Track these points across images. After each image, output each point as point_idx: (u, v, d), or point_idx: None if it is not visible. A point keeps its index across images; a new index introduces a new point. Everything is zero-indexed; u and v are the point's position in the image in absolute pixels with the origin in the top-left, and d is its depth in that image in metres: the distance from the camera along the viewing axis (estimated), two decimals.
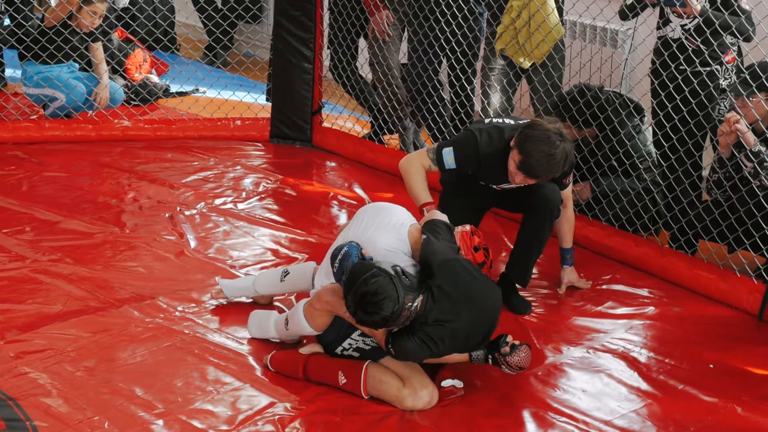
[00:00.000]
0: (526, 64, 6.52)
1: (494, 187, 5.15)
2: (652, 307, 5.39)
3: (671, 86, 5.71)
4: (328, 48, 7.71)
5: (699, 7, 5.62)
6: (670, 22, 5.80)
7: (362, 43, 7.54)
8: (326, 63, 7.72)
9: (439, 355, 4.30)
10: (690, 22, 5.68)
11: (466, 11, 6.61)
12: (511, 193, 5.19)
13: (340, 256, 4.32)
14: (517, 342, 4.42)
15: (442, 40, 6.76)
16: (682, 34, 5.70)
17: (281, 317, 4.74)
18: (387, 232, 4.49)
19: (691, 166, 5.74)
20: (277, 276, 4.98)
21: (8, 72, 8.52)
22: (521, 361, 4.39)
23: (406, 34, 7.17)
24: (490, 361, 4.42)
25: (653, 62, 5.97)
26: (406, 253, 4.45)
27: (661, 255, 5.76)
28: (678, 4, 5.64)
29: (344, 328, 4.48)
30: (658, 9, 5.94)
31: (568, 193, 5.28)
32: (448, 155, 5.01)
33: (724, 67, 5.73)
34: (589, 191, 6.16)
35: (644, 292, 5.56)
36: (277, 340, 4.77)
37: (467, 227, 4.70)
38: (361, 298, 4.06)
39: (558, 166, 4.78)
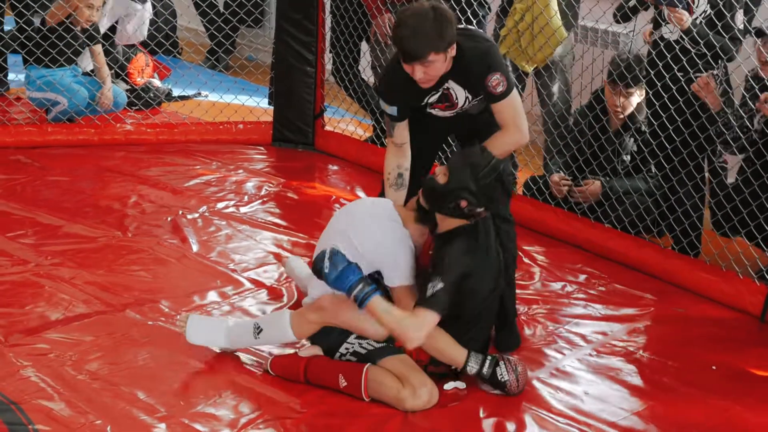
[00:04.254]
0: (529, 69, 6.52)
1: (434, 112, 4.87)
2: (654, 309, 5.39)
3: (675, 88, 5.70)
4: (330, 51, 7.71)
5: (688, 24, 5.61)
6: (667, 23, 5.79)
7: (364, 46, 7.54)
8: (328, 66, 7.73)
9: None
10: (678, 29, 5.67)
11: (469, 14, 6.60)
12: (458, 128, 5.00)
13: (327, 258, 4.30)
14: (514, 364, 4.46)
15: None
16: (680, 36, 5.69)
17: (245, 325, 4.66)
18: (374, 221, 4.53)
19: (694, 167, 5.73)
20: (250, 332, 4.64)
21: (11, 76, 8.53)
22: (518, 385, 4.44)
23: None
24: (485, 371, 4.42)
25: (648, 63, 5.95)
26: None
27: (663, 257, 5.76)
28: (681, 6, 5.63)
29: (339, 332, 4.49)
30: (655, 9, 5.94)
31: (504, 112, 4.68)
32: (383, 104, 4.83)
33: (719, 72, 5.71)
34: (599, 188, 6.11)
35: (647, 294, 5.56)
36: (220, 349, 4.70)
37: None
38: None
39: (426, 24, 4.40)
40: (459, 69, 4.62)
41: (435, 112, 4.85)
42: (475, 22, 6.63)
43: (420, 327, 4.27)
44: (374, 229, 4.53)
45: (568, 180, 6.23)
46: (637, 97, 6.05)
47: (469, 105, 4.77)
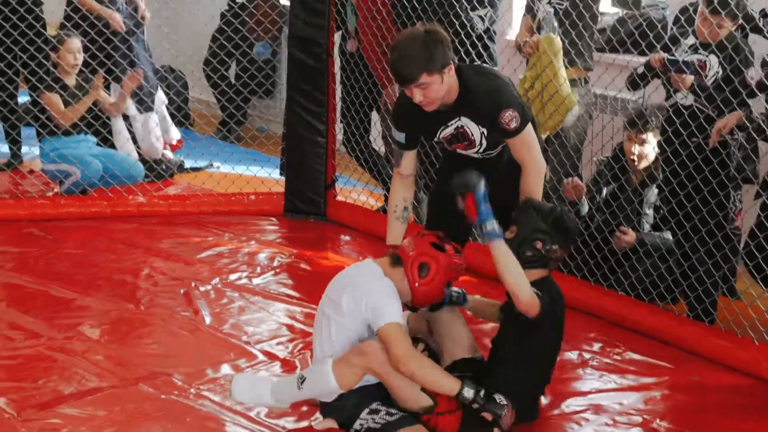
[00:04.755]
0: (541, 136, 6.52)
1: (446, 145, 4.94)
2: (670, 378, 5.35)
3: (693, 146, 5.71)
4: (341, 121, 7.75)
5: (689, 83, 5.65)
6: (676, 90, 5.82)
7: (375, 116, 7.58)
8: (339, 136, 7.76)
9: None
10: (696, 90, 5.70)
11: (479, 48, 6.63)
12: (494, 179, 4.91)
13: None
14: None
15: None
16: (695, 100, 5.71)
17: (289, 378, 4.64)
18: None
19: (707, 233, 5.72)
20: (294, 384, 4.60)
21: (23, 149, 8.58)
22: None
23: None
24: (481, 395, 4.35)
25: (664, 131, 5.96)
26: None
27: (678, 324, 5.74)
28: (689, 71, 5.66)
29: (354, 407, 4.46)
30: (663, 77, 5.97)
31: (518, 146, 4.79)
32: (393, 131, 4.92)
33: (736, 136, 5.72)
34: (633, 237, 6.07)
35: (662, 362, 5.52)
36: (269, 406, 4.67)
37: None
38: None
39: (416, 47, 4.49)
40: (469, 104, 4.71)
41: (460, 152, 4.93)
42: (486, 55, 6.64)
43: (530, 298, 4.35)
44: (357, 287, 4.51)
45: (581, 183, 6.23)
46: (653, 145, 6.05)
47: (486, 141, 4.82)
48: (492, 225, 4.35)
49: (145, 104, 8.34)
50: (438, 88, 4.59)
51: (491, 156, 4.96)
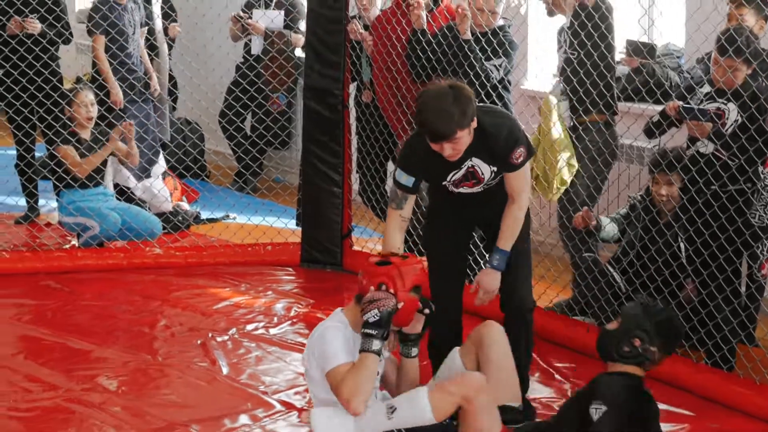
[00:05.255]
0: (553, 196, 6.52)
1: (452, 187, 4.98)
2: (689, 426, 5.32)
3: (700, 202, 5.71)
4: (357, 172, 7.77)
5: (707, 131, 5.66)
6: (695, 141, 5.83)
7: (390, 166, 7.60)
8: (355, 186, 7.78)
9: None
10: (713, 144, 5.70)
11: (494, 97, 6.65)
12: (484, 212, 5.12)
13: None
14: None
15: None
16: (715, 149, 5.71)
17: (376, 407, 4.53)
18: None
19: (724, 280, 5.70)
20: (383, 413, 4.53)
21: (41, 202, 8.63)
22: None
23: None
24: None
25: (687, 172, 5.94)
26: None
27: (696, 371, 5.71)
28: (704, 119, 5.67)
29: None
30: (678, 125, 5.98)
31: (518, 180, 4.94)
32: (399, 175, 4.95)
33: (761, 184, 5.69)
34: (696, 293, 6.03)
35: (681, 409, 5.49)
36: None
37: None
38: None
39: (448, 104, 4.58)
40: (483, 146, 4.79)
41: (463, 190, 4.97)
42: (501, 104, 6.66)
43: None
44: (311, 340, 4.57)
45: (591, 213, 6.23)
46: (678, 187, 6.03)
47: (494, 176, 4.91)
48: None
49: (145, 172, 8.36)
50: (466, 140, 4.70)
51: (490, 187, 5.02)
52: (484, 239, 5.37)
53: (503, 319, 5.21)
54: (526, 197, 5.02)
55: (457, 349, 4.87)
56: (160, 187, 8.42)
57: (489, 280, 5.04)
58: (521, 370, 5.07)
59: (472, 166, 4.88)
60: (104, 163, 7.80)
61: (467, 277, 5.44)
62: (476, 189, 5.01)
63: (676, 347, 4.49)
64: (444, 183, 4.98)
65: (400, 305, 4.48)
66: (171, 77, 9.38)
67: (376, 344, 4.41)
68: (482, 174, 4.90)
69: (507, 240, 5.00)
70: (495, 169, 4.90)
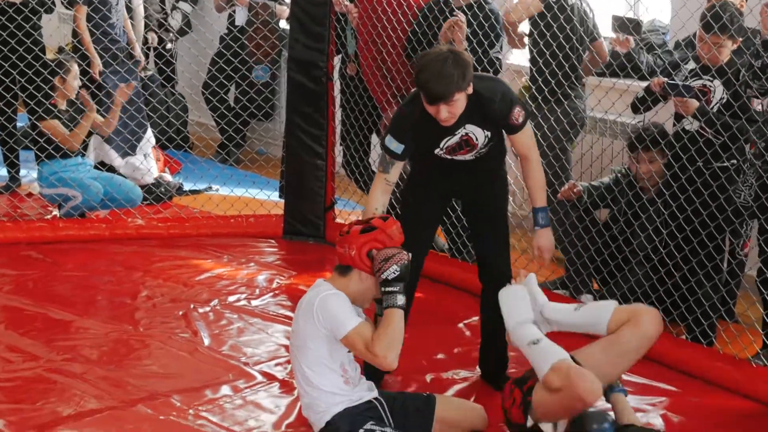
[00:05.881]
0: None
1: (444, 154, 4.98)
2: (668, 399, 5.35)
3: (683, 178, 5.72)
4: (341, 144, 7.76)
5: (693, 108, 5.67)
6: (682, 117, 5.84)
7: (374, 138, 7.59)
8: (339, 159, 7.77)
9: None
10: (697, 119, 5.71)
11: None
12: (468, 184, 5.14)
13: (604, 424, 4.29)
14: None
15: None
16: (700, 126, 5.72)
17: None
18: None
19: (705, 257, 5.72)
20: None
21: (22, 172, 8.59)
22: None
23: None
24: None
25: (665, 155, 5.97)
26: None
27: (676, 347, 5.74)
28: (689, 95, 5.67)
29: (350, 429, 4.47)
30: (663, 101, 5.99)
31: (525, 139, 5.00)
32: (390, 141, 4.95)
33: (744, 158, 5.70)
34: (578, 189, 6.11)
35: (661, 384, 5.51)
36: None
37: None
38: None
39: (448, 66, 4.62)
40: (477, 111, 4.82)
41: (458, 158, 4.98)
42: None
43: None
44: (310, 309, 4.51)
45: (578, 187, 6.25)
46: (660, 163, 6.04)
47: (488, 142, 4.94)
48: None
49: (129, 144, 8.34)
50: (462, 104, 4.73)
51: (481, 155, 5.03)
52: (467, 213, 5.37)
53: (481, 290, 5.24)
54: (537, 153, 5.06)
55: (613, 305, 4.70)
56: (142, 161, 8.39)
57: (546, 241, 5.12)
58: (503, 343, 5.09)
59: (466, 134, 4.89)
60: (88, 134, 7.77)
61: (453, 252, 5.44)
62: (468, 156, 5.02)
63: None
64: (436, 151, 4.97)
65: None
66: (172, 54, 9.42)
67: (400, 299, 4.43)
68: (476, 140, 4.92)
69: (540, 196, 5.09)
70: (489, 134, 4.91)
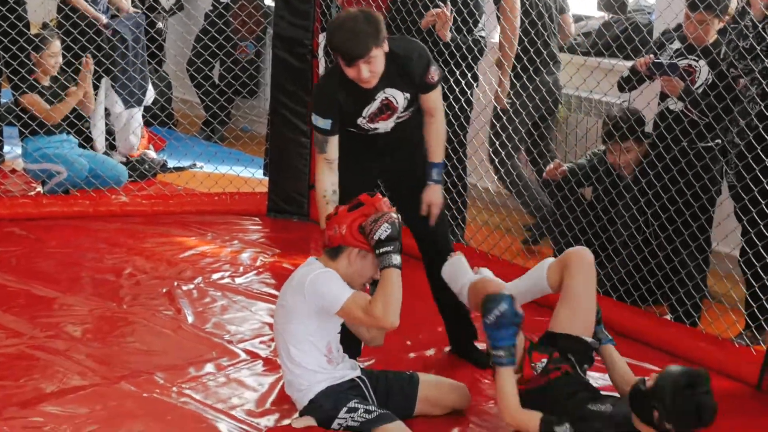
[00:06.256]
0: None
1: (367, 123, 4.97)
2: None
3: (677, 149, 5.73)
4: None
5: (679, 88, 5.67)
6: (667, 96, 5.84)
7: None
8: None
9: None
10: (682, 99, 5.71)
11: (464, 84, 6.65)
12: (391, 160, 5.14)
13: (497, 309, 4.36)
14: None
15: None
16: (684, 106, 5.72)
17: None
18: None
19: (689, 236, 5.73)
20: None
21: (6, 148, 8.56)
22: None
23: None
24: None
25: (648, 135, 5.98)
26: None
27: (660, 326, 5.76)
28: (673, 74, 5.68)
29: (332, 408, 4.48)
30: (649, 80, 5.99)
31: (435, 96, 5.04)
32: (316, 119, 4.95)
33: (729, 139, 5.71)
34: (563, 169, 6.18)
35: (643, 363, 5.52)
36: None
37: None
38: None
39: (360, 23, 4.66)
40: (396, 72, 4.84)
41: (378, 126, 4.98)
42: (463, 100, 6.68)
43: (520, 418, 4.28)
44: (301, 285, 4.51)
45: (563, 167, 6.28)
46: (636, 151, 6.03)
47: (407, 104, 4.95)
48: (501, 354, 4.35)
49: (135, 97, 8.32)
50: (381, 61, 4.74)
51: (402, 121, 5.04)
52: (395, 194, 5.31)
53: (425, 268, 5.30)
54: (442, 111, 5.12)
55: (548, 262, 4.82)
56: (140, 122, 8.39)
57: (435, 195, 5.12)
58: (464, 313, 5.13)
59: (386, 98, 4.91)
60: (72, 110, 7.74)
61: None
62: (390, 123, 4.99)
63: (697, 427, 4.25)
64: (359, 121, 4.96)
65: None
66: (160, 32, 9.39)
67: (396, 258, 4.42)
68: (396, 103, 4.93)
69: (438, 152, 5.11)
70: (408, 96, 4.93)
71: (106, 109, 8.33)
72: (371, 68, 4.71)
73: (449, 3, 6.51)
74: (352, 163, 5.08)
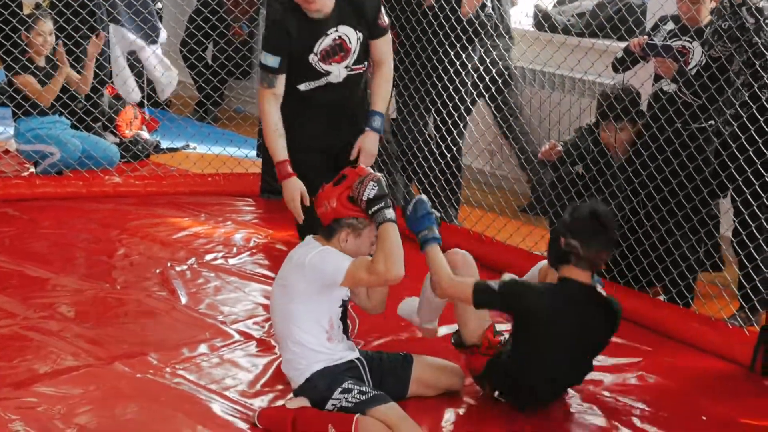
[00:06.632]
0: None
1: (319, 61, 5.00)
2: (645, 360, 5.38)
3: (662, 139, 5.73)
4: None
5: (674, 69, 5.65)
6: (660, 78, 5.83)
7: None
8: None
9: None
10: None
11: (458, 65, 6.66)
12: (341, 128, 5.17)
13: (412, 204, 4.60)
14: None
15: (433, 96, 6.81)
16: (678, 88, 5.70)
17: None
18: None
19: (683, 217, 5.72)
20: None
21: None
22: None
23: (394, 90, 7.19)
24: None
25: (643, 115, 5.97)
26: None
27: (653, 307, 5.76)
28: (667, 55, 5.66)
29: (326, 388, 4.48)
30: (643, 62, 5.98)
31: (385, 45, 5.13)
32: (266, 58, 4.98)
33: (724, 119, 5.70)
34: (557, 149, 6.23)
35: (637, 344, 5.54)
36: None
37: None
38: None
39: None
40: (349, 9, 4.94)
41: (331, 68, 5.00)
42: (463, 73, 6.68)
43: (454, 284, 4.55)
44: (301, 264, 4.51)
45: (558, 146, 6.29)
46: (630, 131, 6.01)
47: (360, 48, 4.99)
48: (425, 233, 4.57)
49: (150, 38, 8.30)
50: None
51: (353, 73, 5.07)
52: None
53: None
54: (391, 62, 5.16)
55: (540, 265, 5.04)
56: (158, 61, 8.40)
57: (371, 143, 5.15)
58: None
59: (339, 36, 4.96)
60: (63, 90, 7.71)
61: None
62: (342, 69, 5.02)
63: (606, 239, 4.52)
64: (311, 58, 4.98)
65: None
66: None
67: (389, 212, 4.43)
68: (349, 43, 4.98)
69: (382, 102, 5.15)
70: (360, 37, 4.99)
71: (99, 91, 8.28)
72: None
73: None
74: (306, 143, 5.10)
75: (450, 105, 6.70)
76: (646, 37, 5.90)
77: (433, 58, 6.72)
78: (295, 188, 5.00)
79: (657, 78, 5.95)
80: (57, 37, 7.78)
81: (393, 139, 7.15)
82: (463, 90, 6.77)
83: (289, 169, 5.00)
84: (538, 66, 7.08)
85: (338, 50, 4.98)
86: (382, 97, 5.16)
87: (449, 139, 6.82)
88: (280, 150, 5.01)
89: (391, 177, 7.24)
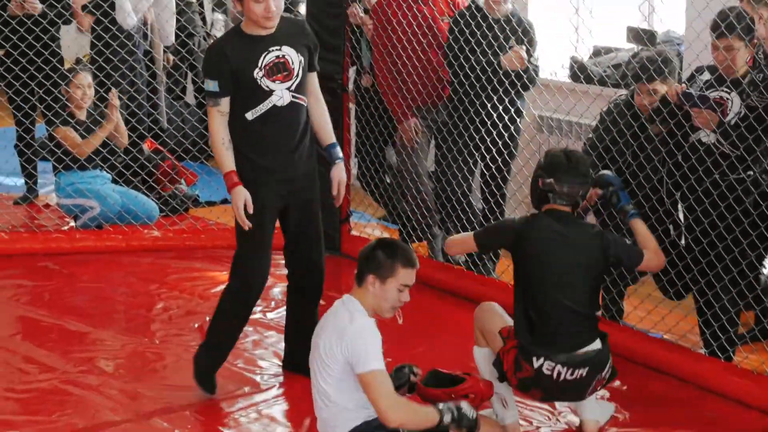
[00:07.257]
0: None
1: (264, 77, 5.08)
2: (686, 413, 5.32)
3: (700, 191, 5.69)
4: (356, 156, 7.75)
5: (714, 121, 5.60)
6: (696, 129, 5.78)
7: (390, 151, 7.58)
8: (354, 171, 7.76)
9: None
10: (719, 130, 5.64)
11: (501, 110, 6.66)
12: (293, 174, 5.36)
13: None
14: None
15: (471, 147, 6.81)
16: (716, 140, 5.64)
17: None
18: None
19: (723, 270, 5.68)
20: None
21: (39, 183, 8.62)
22: None
23: (433, 141, 7.21)
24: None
25: (679, 167, 5.90)
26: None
27: (693, 361, 5.71)
28: (704, 106, 5.59)
29: None
30: (679, 111, 5.93)
31: (316, 80, 5.37)
32: (207, 85, 5.12)
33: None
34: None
35: (679, 399, 5.48)
36: None
37: None
38: None
39: None
40: (293, 33, 5.15)
41: (275, 87, 5.10)
42: (507, 118, 6.69)
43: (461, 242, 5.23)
44: (333, 329, 4.43)
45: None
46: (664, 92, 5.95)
47: (301, 72, 5.14)
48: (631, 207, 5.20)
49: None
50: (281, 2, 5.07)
51: (297, 100, 5.19)
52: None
53: (298, 294, 5.62)
54: (322, 98, 5.44)
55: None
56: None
57: (342, 173, 5.54)
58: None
59: (283, 56, 5.10)
60: (103, 144, 7.78)
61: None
62: (286, 91, 5.12)
63: (578, 174, 4.84)
64: (256, 73, 5.08)
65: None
66: (177, 66, 9.45)
67: (446, 419, 4.37)
68: (292, 64, 5.12)
69: (332, 133, 5.50)
70: (302, 60, 5.14)
71: (139, 146, 8.33)
72: (277, 3, 4.97)
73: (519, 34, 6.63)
74: (264, 177, 5.27)
75: (502, 156, 6.72)
76: (682, 86, 5.85)
77: (488, 106, 6.70)
78: (241, 197, 5.18)
79: (693, 129, 5.90)
80: (98, 90, 7.85)
81: (408, 176, 7.14)
82: (512, 142, 6.79)
83: (236, 179, 5.16)
84: (574, 118, 7.06)
85: (282, 68, 5.12)
86: (331, 128, 5.48)
87: (492, 184, 6.81)
88: (227, 161, 5.17)
89: (430, 230, 7.21)
